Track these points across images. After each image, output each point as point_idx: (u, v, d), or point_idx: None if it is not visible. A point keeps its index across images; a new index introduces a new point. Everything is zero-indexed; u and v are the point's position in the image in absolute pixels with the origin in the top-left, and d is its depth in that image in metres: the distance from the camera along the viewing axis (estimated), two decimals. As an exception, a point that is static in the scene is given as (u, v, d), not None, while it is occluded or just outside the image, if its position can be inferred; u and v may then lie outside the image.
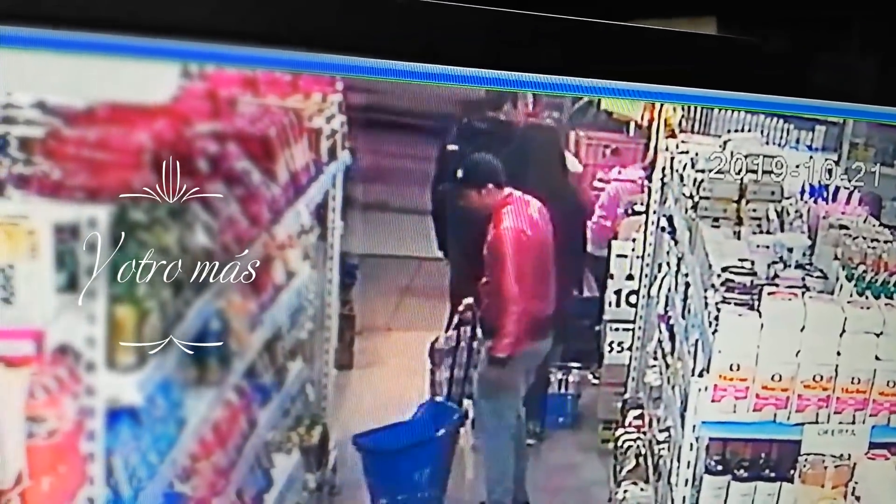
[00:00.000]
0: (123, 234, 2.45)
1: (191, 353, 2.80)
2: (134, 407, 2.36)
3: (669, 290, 4.15)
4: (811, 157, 3.79)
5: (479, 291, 4.67)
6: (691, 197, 3.74)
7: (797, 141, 4.66)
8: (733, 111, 4.79)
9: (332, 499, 4.54)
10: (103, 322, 2.27)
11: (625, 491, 3.99)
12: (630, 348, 5.09)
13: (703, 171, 3.75)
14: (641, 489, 3.76)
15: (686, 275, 3.54)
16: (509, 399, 4.18)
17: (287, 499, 3.88)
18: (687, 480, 2.84)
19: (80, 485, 2.21)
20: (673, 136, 4.81)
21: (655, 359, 4.31)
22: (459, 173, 4.64)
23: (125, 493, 2.31)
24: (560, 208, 4.78)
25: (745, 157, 3.75)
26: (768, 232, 3.35)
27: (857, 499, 2.37)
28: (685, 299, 3.51)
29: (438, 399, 4.33)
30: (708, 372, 2.76)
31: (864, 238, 3.00)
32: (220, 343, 2.90)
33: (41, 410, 2.09)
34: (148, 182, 2.72)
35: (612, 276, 5.14)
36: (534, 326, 4.04)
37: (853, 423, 2.70)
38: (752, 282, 2.90)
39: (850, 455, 2.61)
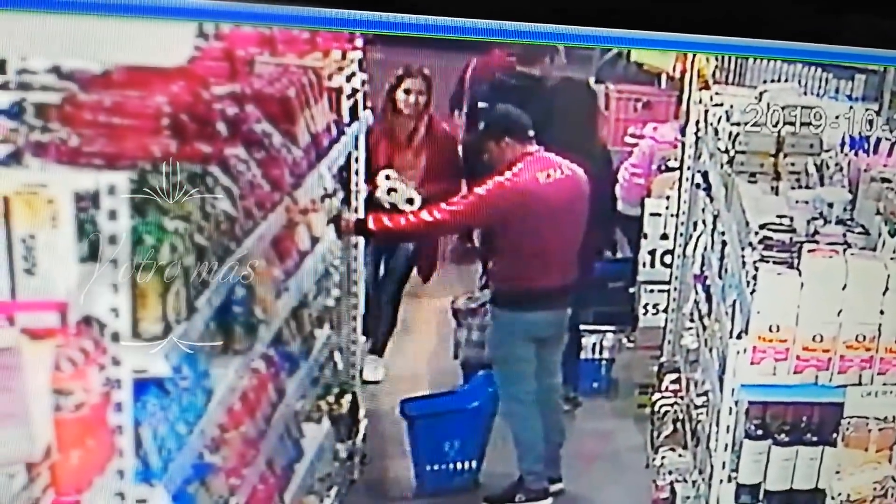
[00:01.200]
0: (144, 200, 2.43)
1: (216, 320, 2.78)
2: (161, 377, 2.34)
3: (705, 249, 4.05)
4: (851, 108, 3.67)
5: (489, 253, 4.57)
6: (727, 151, 3.64)
7: (836, 91, 4.52)
8: (769, 60, 4.65)
9: (363, 468, 4.55)
10: (127, 291, 2.23)
11: (662, 457, 3.96)
12: (665, 310, 5.01)
13: (738, 125, 3.64)
14: (679, 455, 3.72)
15: (722, 233, 3.45)
16: (521, 366, 4.07)
17: (318, 469, 3.87)
18: (726, 445, 2.76)
19: (109, 457, 2.21)
20: (706, 87, 4.69)
21: (692, 321, 4.23)
22: (481, 125, 4.57)
23: (155, 464, 2.30)
24: (590, 168, 4.68)
25: (783, 108, 3.63)
26: (807, 186, 3.27)
27: (904, 463, 2.33)
28: (722, 259, 3.43)
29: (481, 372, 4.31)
30: (746, 333, 2.68)
31: (908, 191, 2.91)
32: (246, 310, 2.88)
33: (68, 383, 2.07)
34: (167, 147, 2.71)
35: (645, 236, 5.06)
36: (538, 294, 3.87)
37: (898, 384, 2.66)
38: (791, 239, 2.82)
39: (894, 417, 2.54)
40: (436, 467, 4.12)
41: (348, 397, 4.14)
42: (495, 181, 4.07)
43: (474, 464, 4.13)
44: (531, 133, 4.22)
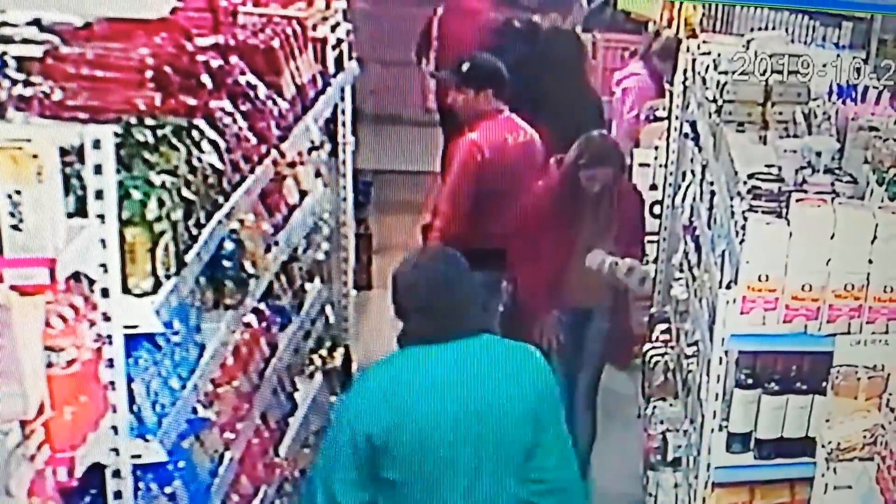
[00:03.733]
0: (129, 154, 2.40)
1: (206, 275, 2.77)
2: (152, 333, 2.33)
3: (694, 199, 4.04)
4: (838, 56, 3.64)
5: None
6: (715, 101, 3.61)
7: (824, 38, 4.52)
8: (756, 8, 4.63)
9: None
10: (115, 247, 2.21)
11: (653, 406, 4.00)
12: (655, 261, 5.05)
13: (726, 73, 3.60)
14: (671, 405, 3.76)
15: (711, 183, 3.44)
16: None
17: (312, 422, 3.90)
18: (717, 395, 2.77)
19: (102, 413, 2.20)
20: (694, 36, 4.67)
21: (681, 271, 4.24)
22: (464, 66, 4.48)
23: (149, 419, 2.30)
24: (583, 119, 4.63)
25: (770, 56, 3.60)
26: (795, 136, 3.26)
27: (892, 410, 2.33)
28: (711, 209, 3.42)
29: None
30: (736, 283, 2.69)
31: (895, 140, 2.89)
32: (236, 264, 2.86)
33: (59, 339, 2.06)
34: (151, 99, 2.66)
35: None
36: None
37: (886, 332, 2.62)
38: (779, 188, 2.82)
39: (883, 366, 2.55)
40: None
41: (341, 350, 4.15)
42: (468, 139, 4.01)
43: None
44: (507, 91, 4.18)
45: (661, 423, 3.74)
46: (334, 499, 2.46)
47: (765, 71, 3.46)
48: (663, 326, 4.29)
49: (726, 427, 2.75)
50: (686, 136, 4.28)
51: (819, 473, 2.38)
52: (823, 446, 2.36)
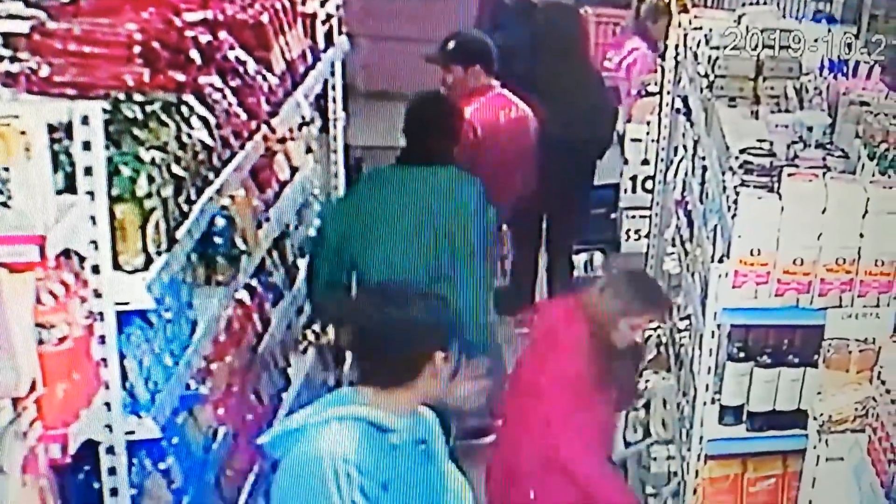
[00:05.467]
0: (118, 130, 2.38)
1: (197, 252, 2.75)
2: (144, 309, 2.32)
3: (686, 174, 4.03)
4: (830, 31, 3.64)
5: None
6: (706, 76, 3.60)
7: (815, 13, 4.51)
8: (747, -18, 4.59)
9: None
10: (105, 224, 2.20)
11: (646, 380, 4.01)
12: (647, 236, 5.05)
13: (717, 48, 3.59)
14: (663, 378, 3.78)
15: (703, 158, 3.44)
16: None
17: (305, 397, 3.90)
18: (709, 368, 2.78)
19: (94, 390, 2.20)
20: (685, 10, 4.64)
21: (673, 246, 4.25)
22: (450, 45, 4.45)
23: (142, 396, 2.30)
24: (587, 94, 4.59)
25: (762, 31, 3.58)
26: (787, 110, 3.26)
27: (883, 383, 2.34)
28: (703, 183, 3.42)
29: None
30: (728, 257, 2.69)
31: (886, 115, 2.89)
32: (227, 240, 2.85)
33: (50, 316, 2.05)
34: (140, 75, 2.64)
35: (626, 162, 5.05)
36: None
37: (877, 306, 2.62)
38: (771, 163, 2.82)
39: (874, 339, 2.56)
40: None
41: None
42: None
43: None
44: (496, 66, 4.15)
45: (655, 396, 3.76)
46: (318, 275, 3.42)
47: (756, 46, 3.45)
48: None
49: (719, 400, 2.77)
50: (678, 111, 4.28)
51: (811, 445, 2.40)
52: (815, 419, 2.37)
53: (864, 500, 2.07)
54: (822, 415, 2.34)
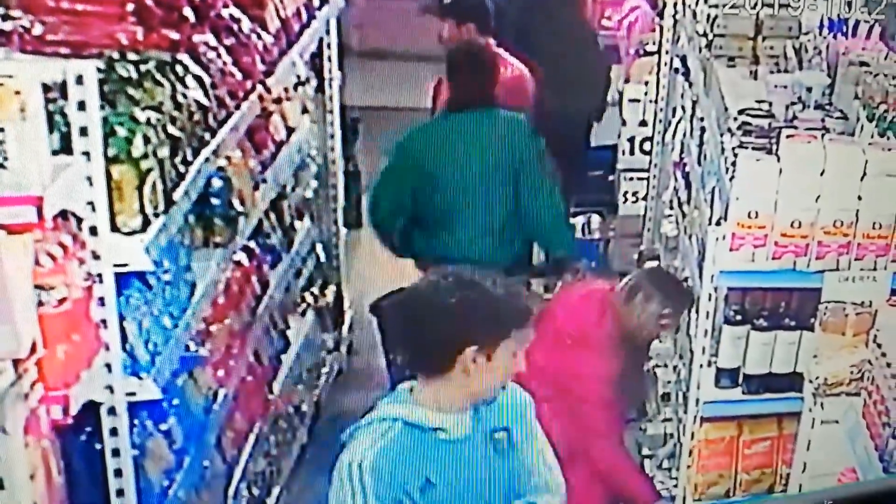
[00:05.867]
0: (113, 90, 2.35)
1: (195, 213, 2.74)
2: (142, 271, 2.32)
3: (684, 135, 4.01)
4: (830, -11, 3.64)
5: None
6: (705, 35, 3.56)
7: (815, -29, 4.45)
8: (748, -60, 4.53)
9: (350, 358, 4.61)
10: (102, 185, 2.18)
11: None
12: (645, 198, 5.03)
13: (716, 7, 3.56)
14: (660, 341, 3.79)
15: (701, 119, 3.42)
16: None
17: (304, 359, 3.92)
18: (706, 331, 2.78)
19: (95, 351, 2.20)
20: (684, -31, 4.60)
21: (671, 208, 4.24)
22: None
23: (142, 357, 2.30)
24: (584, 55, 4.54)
25: (761, -11, 3.59)
26: (786, 70, 3.23)
27: (879, 346, 2.35)
28: (701, 145, 3.41)
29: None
30: (725, 220, 2.68)
31: (886, 75, 2.86)
32: (224, 202, 2.84)
33: (49, 278, 2.04)
34: (133, 34, 2.60)
35: (624, 123, 5.01)
36: None
37: (874, 269, 2.61)
38: (769, 124, 2.79)
39: (871, 302, 2.54)
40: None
41: (332, 288, 4.15)
42: None
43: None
44: (491, 25, 4.11)
45: (651, 358, 3.78)
46: (378, 205, 3.56)
47: (756, 4, 3.41)
48: (653, 263, 4.31)
49: (715, 362, 2.78)
50: (676, 71, 4.24)
51: (806, 408, 2.41)
52: (811, 381, 2.38)
53: (858, 462, 2.09)
54: (817, 378, 2.35)
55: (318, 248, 4.06)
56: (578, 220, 4.84)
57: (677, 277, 3.44)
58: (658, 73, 4.58)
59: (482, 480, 2.10)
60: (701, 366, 2.79)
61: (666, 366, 3.67)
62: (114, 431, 2.27)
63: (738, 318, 2.73)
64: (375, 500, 2.00)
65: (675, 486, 3.02)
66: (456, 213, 3.55)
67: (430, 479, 2.04)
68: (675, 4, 4.32)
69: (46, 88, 2.06)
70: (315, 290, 3.90)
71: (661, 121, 4.51)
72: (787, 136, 2.66)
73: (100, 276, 2.20)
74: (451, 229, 3.57)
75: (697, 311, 2.80)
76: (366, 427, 2.06)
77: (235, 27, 3.05)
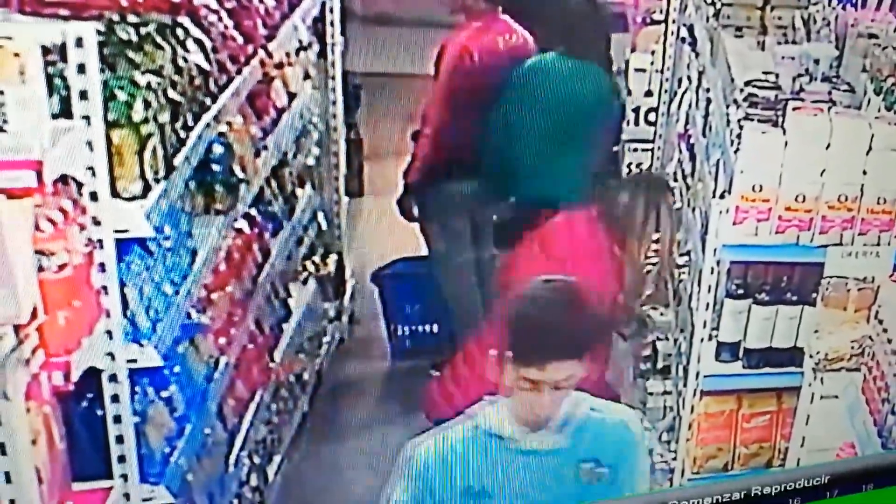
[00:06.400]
0: (113, 53, 2.33)
1: (196, 180, 2.73)
2: (143, 238, 2.30)
3: (690, 106, 3.98)
4: (840, -42, 3.59)
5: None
6: (713, 4, 3.51)
7: (825, -61, 4.38)
8: None
9: (352, 327, 4.62)
10: (102, 149, 2.16)
11: (647, 315, 4.03)
12: (649, 169, 5.01)
13: (725, -25, 3.55)
14: (661, 314, 3.79)
15: (707, 90, 3.39)
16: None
17: (306, 328, 3.92)
18: (707, 304, 2.76)
19: (96, 318, 2.20)
20: (692, -63, 4.53)
21: (675, 180, 4.20)
22: None
23: (143, 324, 2.30)
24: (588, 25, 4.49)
25: (770, -44, 3.54)
26: (794, 42, 3.19)
27: (880, 322, 2.35)
28: (706, 116, 3.38)
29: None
30: (729, 193, 2.66)
31: (895, 48, 2.84)
32: (225, 168, 2.82)
33: (49, 243, 2.04)
34: (133, -4, 2.57)
35: (630, 93, 4.96)
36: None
37: (878, 244, 2.59)
38: (776, 96, 2.77)
39: (873, 278, 2.51)
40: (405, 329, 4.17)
41: (334, 257, 4.15)
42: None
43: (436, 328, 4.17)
44: None
45: (652, 331, 3.78)
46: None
47: (764, -28, 3.38)
48: (656, 236, 4.29)
49: (716, 336, 2.77)
50: (683, 40, 4.20)
51: (806, 383, 2.41)
52: (811, 356, 2.38)
53: (857, 437, 2.10)
54: (818, 353, 2.35)
55: (320, 216, 4.05)
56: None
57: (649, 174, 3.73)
58: (665, 43, 4.53)
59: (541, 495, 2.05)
60: (702, 339, 2.79)
61: (667, 339, 3.67)
62: (115, 398, 2.27)
63: (740, 291, 2.72)
64: (426, 489, 1.99)
65: (674, 458, 3.03)
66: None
67: (487, 488, 2.01)
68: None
69: (46, 51, 2.04)
70: (317, 258, 3.89)
71: (666, 91, 4.47)
72: (794, 109, 2.63)
73: (100, 241, 2.20)
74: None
75: (699, 285, 2.79)
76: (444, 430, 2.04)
77: (235, -11, 3.01)
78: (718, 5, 3.38)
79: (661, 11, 4.76)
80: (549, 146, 3.80)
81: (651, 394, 3.66)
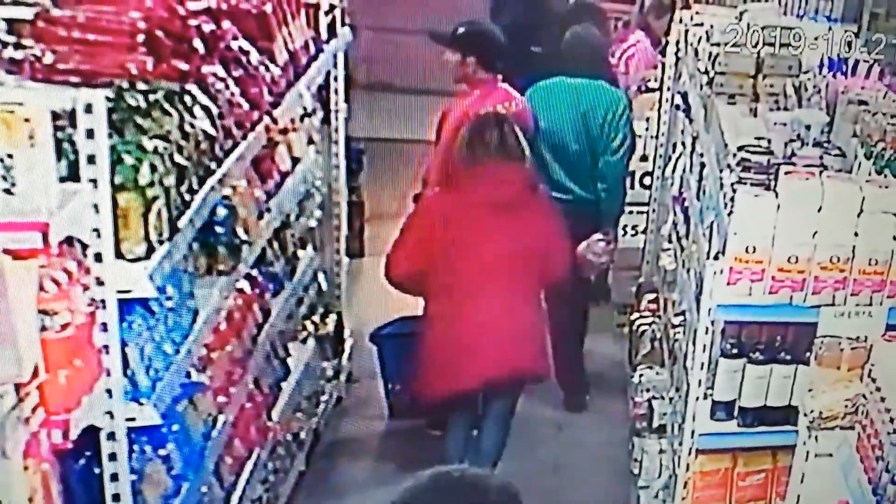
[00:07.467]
0: (121, 119, 2.39)
1: (199, 241, 2.77)
2: (145, 298, 2.34)
3: (684, 170, 4.05)
4: (830, 29, 3.64)
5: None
6: (706, 72, 3.60)
7: (816, 11, 4.49)
8: (748, -21, 4.58)
9: (350, 386, 4.63)
10: (108, 212, 2.22)
11: (640, 375, 4.04)
12: (644, 231, 5.07)
13: (718, 45, 3.60)
14: (657, 373, 3.81)
15: (701, 155, 3.46)
16: None
17: (304, 386, 3.94)
18: (702, 364, 2.80)
19: (96, 377, 2.22)
20: (687, 6, 4.65)
21: (670, 242, 4.26)
22: (460, 29, 4.44)
23: (143, 383, 2.32)
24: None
25: (762, 29, 3.58)
26: (786, 108, 3.27)
27: (874, 381, 2.36)
28: (700, 180, 3.44)
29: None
30: (723, 254, 2.71)
31: (884, 114, 2.89)
32: (228, 230, 2.87)
33: (52, 303, 2.07)
34: (143, 64, 2.65)
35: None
36: None
37: (870, 304, 2.63)
38: (768, 161, 2.82)
39: (866, 337, 2.53)
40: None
41: (333, 317, 4.18)
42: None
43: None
44: (499, 65, 4.15)
45: (648, 390, 3.78)
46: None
47: (757, 43, 3.46)
48: (651, 296, 4.33)
49: (711, 395, 2.79)
50: (677, 107, 4.29)
51: (801, 441, 2.41)
52: (806, 415, 2.39)
53: (851, 495, 2.09)
54: (812, 411, 2.35)
55: (321, 276, 4.09)
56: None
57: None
58: (659, 110, 4.63)
59: None
60: (697, 398, 2.80)
61: (662, 398, 3.67)
62: (113, 456, 2.28)
63: (735, 351, 2.74)
64: None
65: (671, 517, 3.02)
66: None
67: None
68: (678, 42, 4.39)
69: (56, 116, 2.10)
70: (316, 318, 3.92)
71: (661, 156, 4.56)
72: (786, 173, 2.69)
73: (103, 301, 2.23)
74: None
75: (694, 344, 2.81)
76: None
77: (244, 59, 3.09)
78: (712, 73, 3.47)
79: (656, 79, 4.88)
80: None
81: (646, 452, 3.65)
